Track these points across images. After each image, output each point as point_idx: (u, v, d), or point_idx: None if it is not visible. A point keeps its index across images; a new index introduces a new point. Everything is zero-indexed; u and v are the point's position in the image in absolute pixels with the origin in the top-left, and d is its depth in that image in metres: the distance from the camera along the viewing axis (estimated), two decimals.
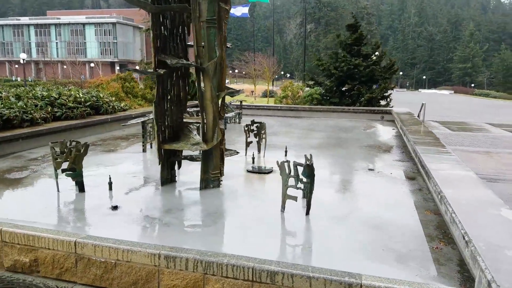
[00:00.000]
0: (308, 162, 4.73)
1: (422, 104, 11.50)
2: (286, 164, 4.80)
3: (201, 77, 5.65)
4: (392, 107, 16.21)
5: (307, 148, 9.07)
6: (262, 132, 8.11)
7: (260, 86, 49.48)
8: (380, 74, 16.59)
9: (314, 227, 4.50)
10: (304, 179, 4.71)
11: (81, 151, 5.46)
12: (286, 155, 8.09)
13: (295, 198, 4.80)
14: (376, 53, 17.53)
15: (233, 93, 6.11)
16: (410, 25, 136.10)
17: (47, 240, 3.74)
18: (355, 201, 5.38)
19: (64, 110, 9.58)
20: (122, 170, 6.96)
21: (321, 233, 4.31)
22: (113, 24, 77.99)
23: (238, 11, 57.71)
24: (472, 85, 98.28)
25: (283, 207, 4.89)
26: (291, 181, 4.82)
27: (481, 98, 69.16)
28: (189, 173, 6.56)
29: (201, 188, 5.80)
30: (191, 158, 6.19)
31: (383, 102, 16.90)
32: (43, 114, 8.94)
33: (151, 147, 8.64)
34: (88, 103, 10.33)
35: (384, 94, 16.97)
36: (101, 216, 4.73)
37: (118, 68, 75.50)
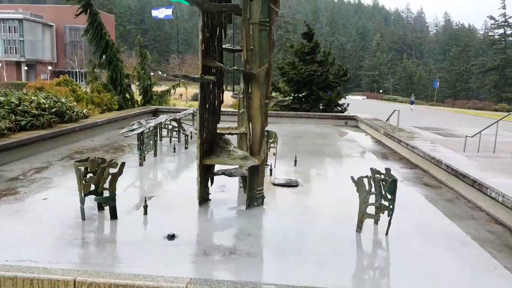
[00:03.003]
0: (385, 177, 4.46)
1: (394, 110, 11.91)
2: (365, 179, 4.48)
3: (249, 84, 5.13)
4: (348, 112, 16.73)
5: (305, 155, 8.76)
6: (270, 141, 7.67)
7: (191, 90, 48.43)
8: (335, 81, 17.04)
9: (405, 248, 4.20)
10: (388, 196, 4.42)
11: (116, 171, 4.59)
12: (295, 164, 7.77)
13: (377, 218, 4.49)
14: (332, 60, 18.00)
15: (283, 101, 5.63)
16: (323, 35, 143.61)
17: None
18: (413, 215, 5.21)
19: (28, 118, 8.18)
20: (133, 188, 6.07)
21: (419, 256, 4.01)
22: (20, 20, 70.61)
23: (161, 13, 55.94)
24: (381, 91, 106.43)
25: (359, 227, 4.53)
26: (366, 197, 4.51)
27: (391, 103, 75.17)
28: (217, 189, 5.91)
29: (246, 207, 5.23)
30: (230, 174, 5.57)
31: (339, 108, 17.36)
32: (8, 123, 7.53)
33: (144, 159, 7.71)
34: (53, 110, 8.97)
35: (338, 101, 17.46)
36: (161, 248, 3.97)
37: (25, 68, 68.68)
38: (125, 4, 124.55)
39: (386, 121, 12.98)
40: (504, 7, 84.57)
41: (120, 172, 4.63)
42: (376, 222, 4.68)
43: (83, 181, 4.49)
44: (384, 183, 4.40)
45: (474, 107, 62.36)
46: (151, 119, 9.13)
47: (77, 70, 71.96)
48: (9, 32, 70.67)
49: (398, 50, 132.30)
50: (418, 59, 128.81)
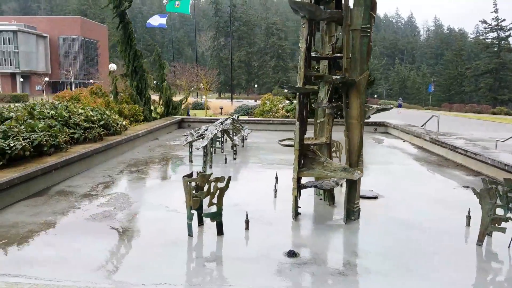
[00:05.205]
0: (504, 187, 4.33)
1: (432, 116, 11.84)
2: (490, 191, 4.33)
3: (347, 93, 4.99)
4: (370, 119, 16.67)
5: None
6: (333, 149, 7.50)
7: (190, 99, 48.22)
8: None
9: None
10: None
11: (224, 185, 4.40)
12: None
13: (503, 230, 4.32)
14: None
15: (384, 109, 5.50)
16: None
17: None
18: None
19: (81, 131, 7.94)
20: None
21: None
22: (14, 32, 69.99)
23: (155, 21, 55.43)
24: (375, 96, 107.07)
25: (481, 240, 4.37)
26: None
27: None
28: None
29: (345, 222, 5.05)
30: (321, 186, 5.39)
31: None
32: (64, 136, 7.29)
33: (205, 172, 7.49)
34: (101, 122, 8.74)
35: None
36: (291, 268, 3.77)
37: (21, 79, 67.94)
38: None
39: (422, 126, 12.89)
40: (496, 11, 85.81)
41: (227, 186, 4.44)
42: (490, 234, 4.55)
43: (193, 197, 4.29)
44: (510, 194, 4.26)
45: (472, 110, 62.92)
46: (197, 129, 8.89)
47: (72, 80, 71.39)
48: (3, 44, 69.97)
49: (390, 56, 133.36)
50: (411, 63, 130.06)
